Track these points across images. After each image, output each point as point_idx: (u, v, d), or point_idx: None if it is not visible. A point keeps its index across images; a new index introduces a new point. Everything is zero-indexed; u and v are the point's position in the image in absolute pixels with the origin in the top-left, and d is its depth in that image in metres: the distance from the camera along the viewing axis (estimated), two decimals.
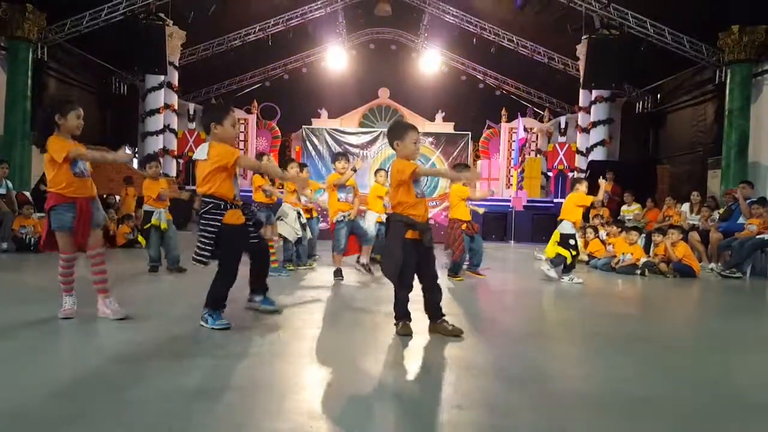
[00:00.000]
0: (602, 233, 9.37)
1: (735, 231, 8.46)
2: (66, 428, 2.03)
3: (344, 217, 6.36)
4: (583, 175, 6.94)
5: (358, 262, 6.84)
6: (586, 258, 8.97)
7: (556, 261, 6.74)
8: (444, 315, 3.69)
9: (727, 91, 12.19)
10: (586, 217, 10.55)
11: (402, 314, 3.65)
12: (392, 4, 17.60)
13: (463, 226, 6.44)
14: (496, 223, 14.61)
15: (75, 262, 3.86)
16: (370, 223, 6.95)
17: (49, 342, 3.28)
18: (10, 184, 8.88)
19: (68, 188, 3.64)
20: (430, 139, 19.39)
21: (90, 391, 2.42)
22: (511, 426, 2.19)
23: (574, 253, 6.72)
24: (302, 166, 7.68)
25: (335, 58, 18.89)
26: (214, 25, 16.22)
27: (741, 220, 8.64)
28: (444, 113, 20.02)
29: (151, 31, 13.31)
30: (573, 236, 6.75)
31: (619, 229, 8.80)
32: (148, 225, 6.33)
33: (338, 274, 6.24)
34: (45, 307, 3.91)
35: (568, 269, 6.70)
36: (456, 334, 3.56)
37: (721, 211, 9.62)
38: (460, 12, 17.16)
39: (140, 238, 6.26)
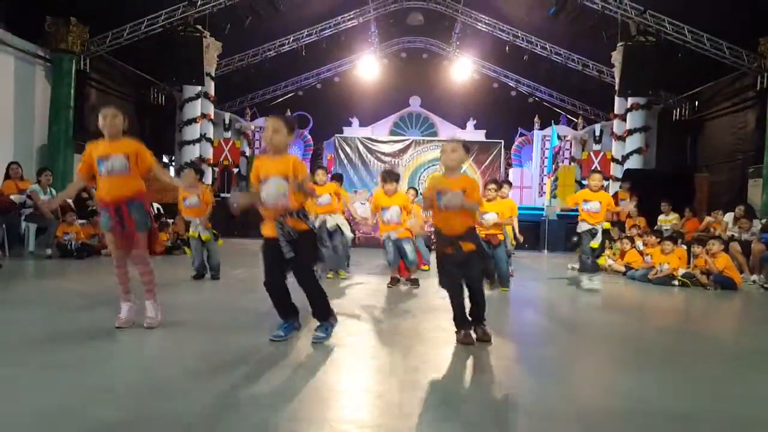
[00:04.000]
0: (639, 243, 9.19)
1: None
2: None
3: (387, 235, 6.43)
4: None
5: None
6: (623, 269, 8.82)
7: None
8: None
9: None
10: (622, 227, 10.39)
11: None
12: (424, 14, 17.68)
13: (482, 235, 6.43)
14: (529, 232, 14.40)
15: (121, 268, 3.80)
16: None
17: (75, 354, 3.36)
18: (54, 192, 9.16)
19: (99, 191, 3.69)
20: None
21: (123, 398, 2.49)
22: None
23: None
24: (339, 177, 7.82)
25: (367, 67, 19.06)
26: (250, 36, 16.50)
27: None
28: (475, 121, 19.95)
29: (189, 43, 13.66)
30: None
31: (658, 239, 8.62)
32: (189, 234, 6.66)
33: (394, 282, 6.54)
34: (91, 314, 4.00)
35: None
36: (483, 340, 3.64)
37: (763, 221, 9.35)
38: (492, 20, 17.11)
39: (185, 248, 6.53)
